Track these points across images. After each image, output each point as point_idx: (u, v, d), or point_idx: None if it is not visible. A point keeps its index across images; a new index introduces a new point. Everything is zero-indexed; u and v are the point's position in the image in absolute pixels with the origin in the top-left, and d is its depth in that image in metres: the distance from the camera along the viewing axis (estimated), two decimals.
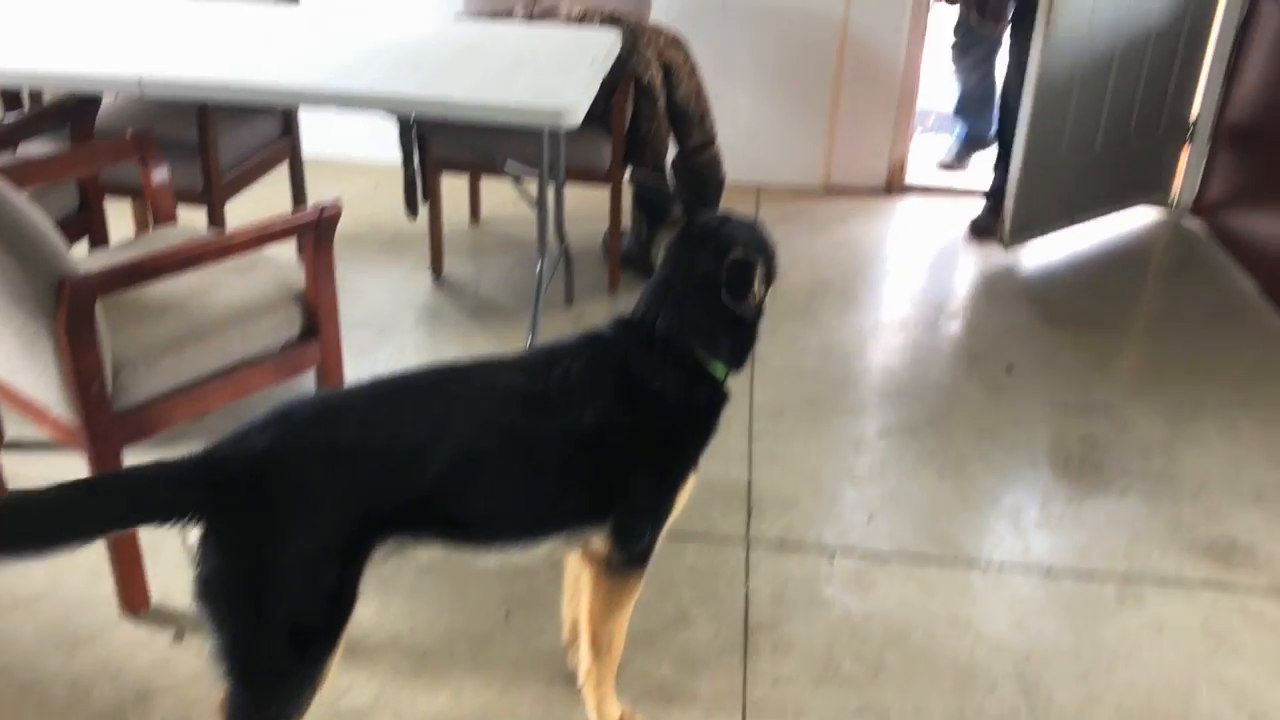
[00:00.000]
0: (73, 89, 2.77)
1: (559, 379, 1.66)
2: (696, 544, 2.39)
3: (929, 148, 4.61)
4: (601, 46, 2.93)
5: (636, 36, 3.28)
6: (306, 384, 2.42)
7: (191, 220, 2.98)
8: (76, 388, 1.92)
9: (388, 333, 3.20)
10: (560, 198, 3.26)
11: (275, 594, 1.50)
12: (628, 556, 1.75)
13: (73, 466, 1.89)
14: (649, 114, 3.32)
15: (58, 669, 2.02)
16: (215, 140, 3.00)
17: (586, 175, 3.33)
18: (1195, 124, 4.06)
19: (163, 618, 2.13)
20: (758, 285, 1.70)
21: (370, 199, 4.04)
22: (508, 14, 3.42)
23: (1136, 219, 4.14)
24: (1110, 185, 3.97)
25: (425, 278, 3.53)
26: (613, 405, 1.67)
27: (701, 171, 3.52)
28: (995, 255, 3.82)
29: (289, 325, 2.26)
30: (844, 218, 4.06)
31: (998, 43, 4.07)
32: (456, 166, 3.46)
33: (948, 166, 4.45)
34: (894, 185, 4.27)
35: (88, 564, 2.16)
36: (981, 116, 4.37)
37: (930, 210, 4.17)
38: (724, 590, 2.27)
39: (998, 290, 3.61)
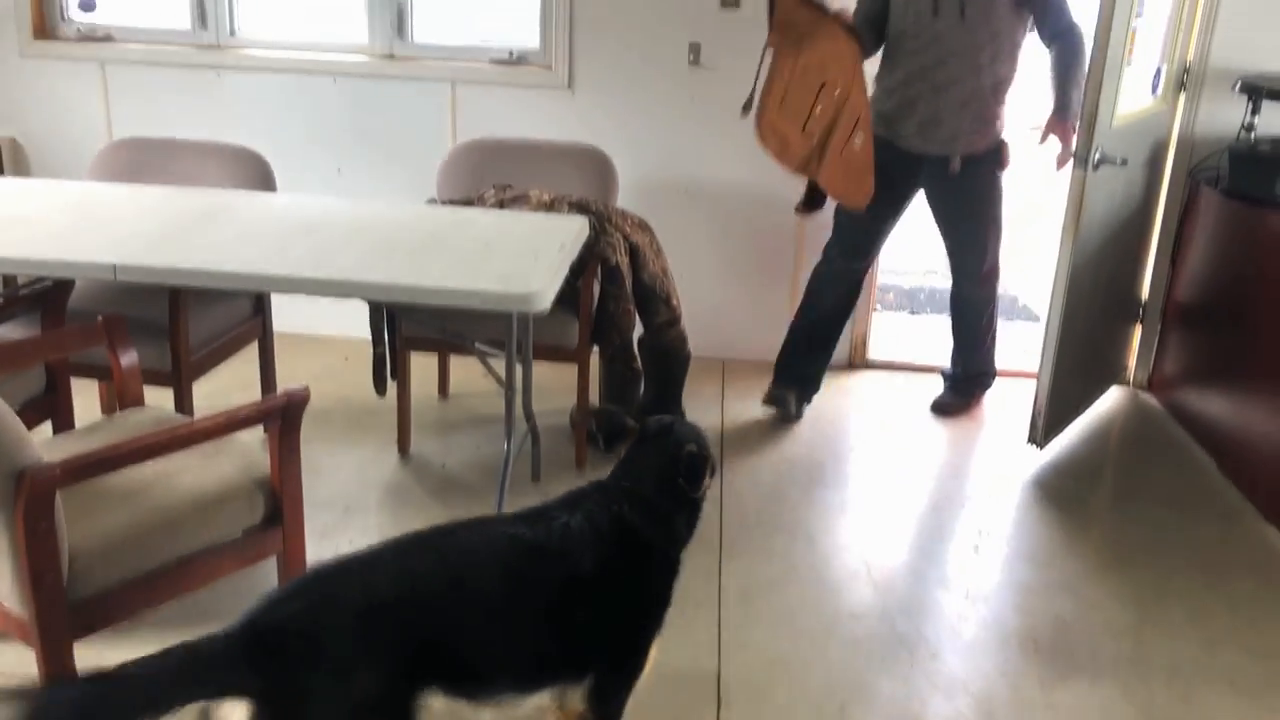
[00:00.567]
0: (48, 275, 2.80)
1: (559, 530, 1.85)
2: None
3: (889, 323, 4.72)
4: (570, 233, 3.02)
5: (604, 221, 3.39)
6: (268, 572, 2.38)
7: (159, 399, 2.99)
8: (30, 581, 1.88)
9: (352, 514, 3.17)
10: (528, 377, 3.29)
11: None
12: (603, 715, 1.92)
13: (17, 658, 1.83)
14: (616, 294, 3.39)
15: None
16: (186, 323, 3.03)
17: (554, 354, 3.37)
18: (1145, 305, 4.19)
19: None
20: (707, 476, 2.01)
21: (339, 374, 4.06)
22: (479, 200, 3.52)
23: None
24: (1096, 369, 4.07)
25: (392, 455, 3.52)
26: (609, 553, 1.86)
27: (668, 349, 3.58)
28: (958, 432, 3.87)
29: (252, 512, 2.25)
30: None
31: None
32: (426, 346, 3.50)
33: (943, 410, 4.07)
34: (856, 360, 4.35)
35: None
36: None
37: (893, 385, 4.24)
38: None
39: (962, 467, 3.64)
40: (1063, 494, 3.47)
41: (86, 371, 3.00)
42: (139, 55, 4.19)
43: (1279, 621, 2.86)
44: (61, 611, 1.93)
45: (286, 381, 3.69)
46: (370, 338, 3.43)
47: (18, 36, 4.18)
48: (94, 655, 2.42)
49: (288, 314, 3.75)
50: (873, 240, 3.74)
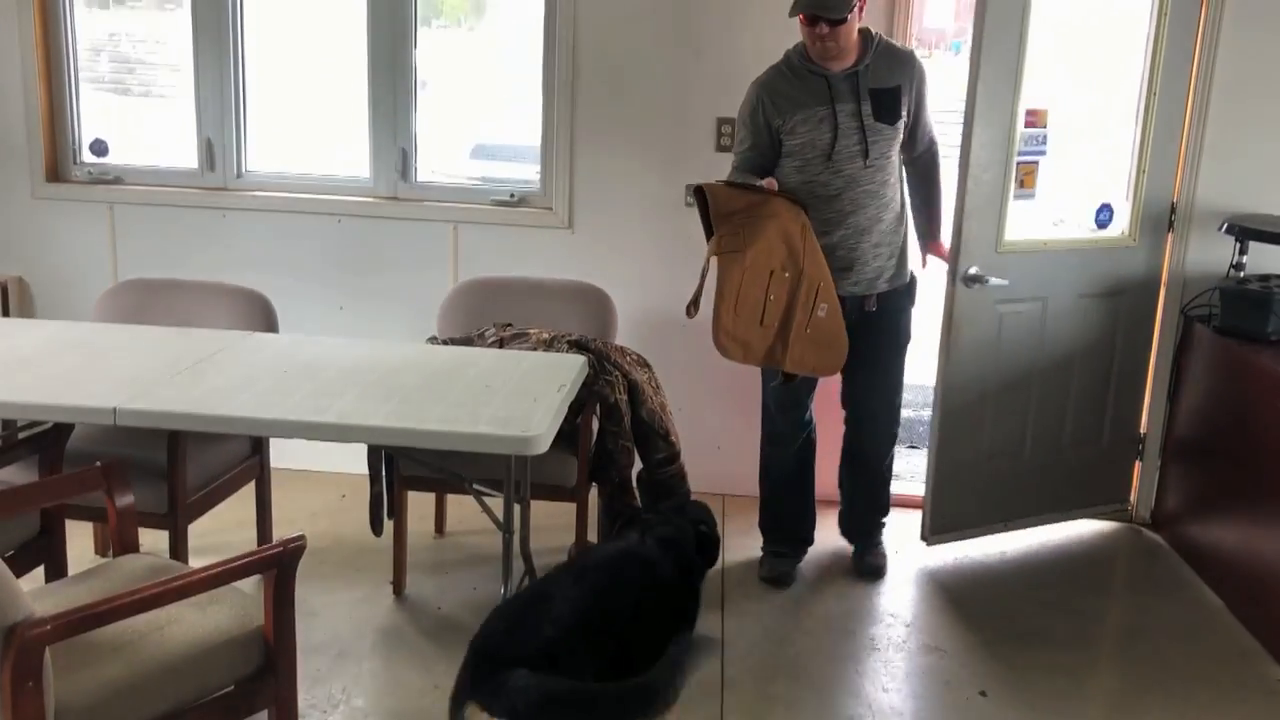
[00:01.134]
0: (48, 419, 2.81)
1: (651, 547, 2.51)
2: None
3: None
4: (569, 373, 3.03)
5: (603, 359, 3.41)
6: None
7: (155, 539, 2.96)
8: None
9: (345, 658, 3.11)
10: (525, 517, 3.27)
11: None
12: None
13: None
14: (614, 432, 3.39)
15: None
16: (184, 465, 3.02)
17: (552, 493, 3.36)
18: (1145, 438, 4.19)
19: None
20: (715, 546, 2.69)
21: (336, 512, 4.03)
22: (480, 338, 3.55)
23: (1096, 531, 4.19)
24: (1049, 493, 4.10)
25: (386, 596, 3.47)
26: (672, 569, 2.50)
27: (667, 485, 3.55)
28: (950, 571, 3.83)
29: (245, 663, 2.21)
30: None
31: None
32: (423, 485, 3.49)
33: None
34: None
35: None
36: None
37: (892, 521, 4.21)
38: None
39: (961, 607, 3.58)
40: (1067, 635, 3.41)
41: (82, 513, 2.98)
42: (147, 197, 4.28)
43: None
44: None
45: (283, 520, 3.69)
46: (368, 475, 3.42)
47: (30, 179, 4.27)
48: None
49: (287, 450, 3.75)
50: (806, 393, 3.62)
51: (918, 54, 3.56)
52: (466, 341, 3.55)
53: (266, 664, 2.23)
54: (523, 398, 2.82)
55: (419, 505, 3.71)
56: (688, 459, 3.59)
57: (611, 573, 2.38)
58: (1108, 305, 3.99)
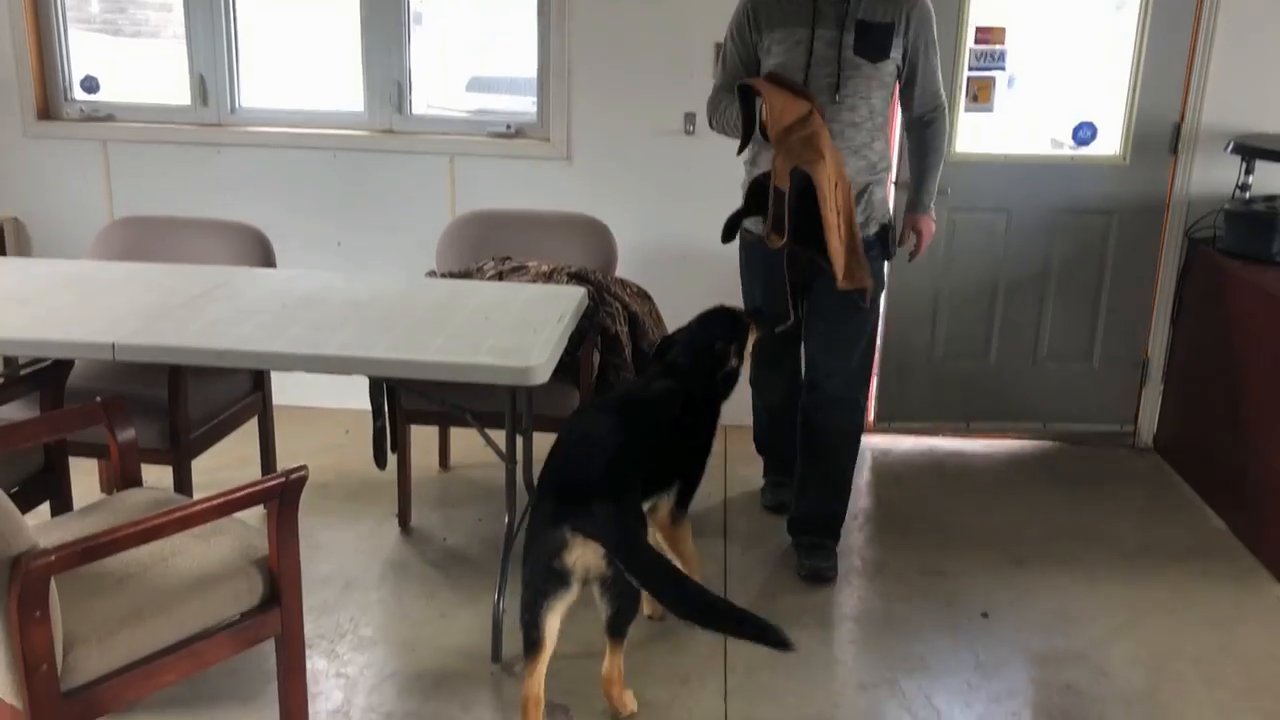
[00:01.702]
0: (47, 355, 2.80)
1: (663, 389, 2.86)
2: None
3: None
4: (569, 304, 3.02)
5: (603, 290, 3.39)
6: (266, 654, 2.35)
7: (159, 476, 2.97)
8: (24, 670, 1.85)
9: (352, 589, 3.13)
10: (529, 448, 3.28)
11: None
12: (682, 510, 2.90)
13: None
14: (615, 364, 3.38)
15: None
16: (185, 400, 3.02)
17: (555, 425, 3.34)
18: (1148, 362, 4.19)
19: None
20: (733, 357, 2.95)
21: (340, 447, 4.05)
22: (479, 271, 3.53)
23: (1099, 453, 4.20)
24: (1022, 402, 4.31)
25: (392, 529, 3.49)
26: (687, 405, 2.84)
27: None
28: (950, 493, 3.85)
29: (250, 594, 2.22)
30: None
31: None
32: (426, 418, 3.49)
33: None
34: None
35: None
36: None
37: (903, 448, 4.22)
38: None
39: (962, 531, 3.60)
40: (1069, 557, 3.43)
41: (86, 450, 2.99)
42: (140, 134, 4.23)
43: None
44: (56, 702, 1.89)
45: (287, 456, 3.70)
46: (370, 409, 3.42)
47: (22, 117, 4.23)
48: None
49: (289, 387, 3.75)
50: (790, 352, 3.37)
51: None
52: (465, 275, 3.52)
53: (272, 595, 2.25)
54: (522, 329, 2.80)
55: (423, 440, 3.72)
56: None
57: (635, 409, 2.76)
58: (1095, 223, 4.07)
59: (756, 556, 3.33)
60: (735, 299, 3.34)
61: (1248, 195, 3.80)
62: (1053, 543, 3.52)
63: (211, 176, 4.22)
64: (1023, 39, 3.95)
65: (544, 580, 2.39)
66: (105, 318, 2.79)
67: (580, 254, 3.66)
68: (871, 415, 4.24)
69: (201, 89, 4.23)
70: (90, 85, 4.30)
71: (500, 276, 3.47)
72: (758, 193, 3.09)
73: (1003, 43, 3.92)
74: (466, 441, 3.88)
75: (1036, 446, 4.28)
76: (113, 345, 2.62)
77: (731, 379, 2.98)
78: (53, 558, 1.85)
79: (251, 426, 3.51)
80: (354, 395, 3.65)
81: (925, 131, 3.22)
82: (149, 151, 4.23)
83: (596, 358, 3.37)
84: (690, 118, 4.00)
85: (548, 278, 3.41)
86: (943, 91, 3.19)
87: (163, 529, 2.03)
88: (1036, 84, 4.08)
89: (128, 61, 4.40)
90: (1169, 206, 4.04)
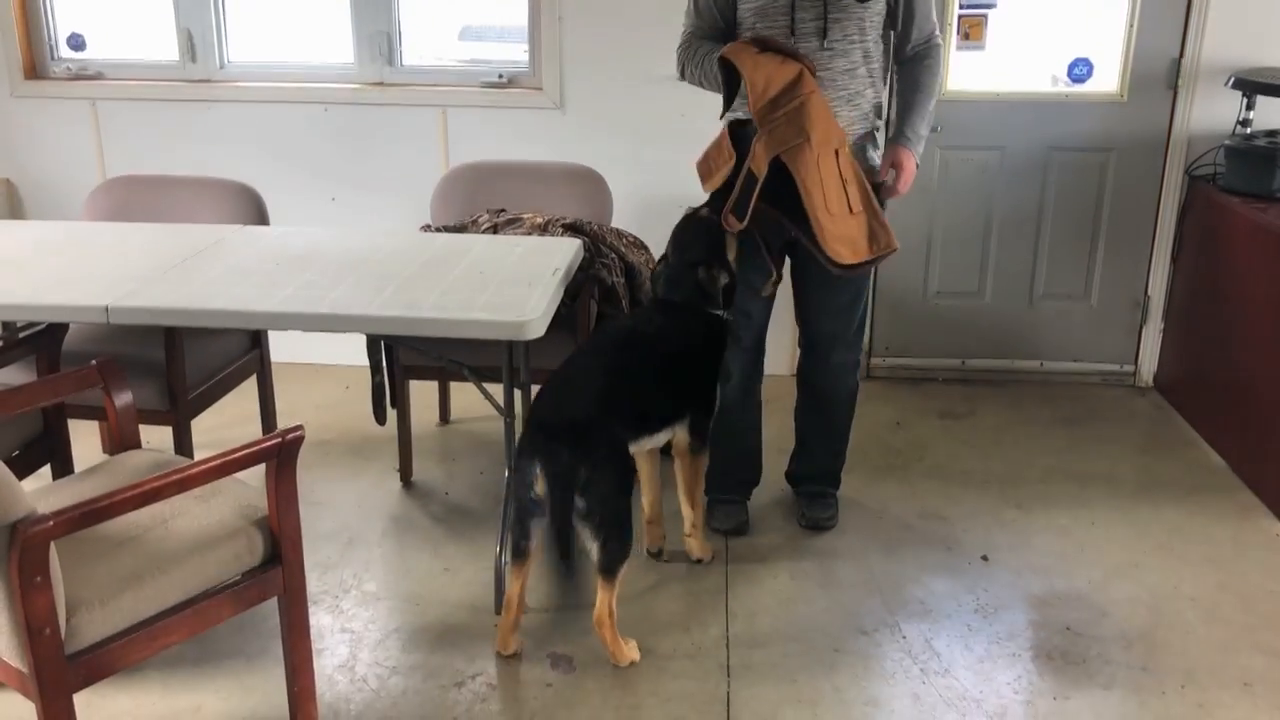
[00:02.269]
0: (41, 319, 2.79)
1: (656, 326, 2.85)
2: None
3: None
4: (565, 256, 3.00)
5: (599, 241, 3.37)
6: (269, 612, 2.37)
7: (159, 437, 2.98)
8: (27, 634, 1.86)
9: (355, 545, 3.15)
10: (527, 401, 3.27)
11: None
12: (700, 441, 2.92)
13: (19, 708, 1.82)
14: (613, 315, 3.37)
15: None
16: (182, 361, 3.02)
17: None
18: (1148, 300, 4.17)
19: None
20: (719, 277, 2.86)
21: (339, 403, 4.05)
22: (473, 224, 3.50)
23: (1099, 393, 4.21)
24: (1019, 339, 4.33)
25: (394, 484, 3.51)
26: (687, 335, 2.83)
27: None
28: (946, 434, 3.85)
29: (251, 553, 2.23)
30: None
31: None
32: (424, 373, 3.49)
33: None
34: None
35: None
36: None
37: (901, 392, 4.22)
38: None
39: (961, 474, 3.61)
40: (1069, 498, 3.44)
41: (85, 413, 2.99)
42: (129, 92, 4.19)
43: None
44: (60, 665, 1.91)
45: (287, 413, 3.71)
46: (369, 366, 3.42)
47: (8, 77, 4.19)
48: (97, 700, 2.43)
49: (287, 344, 3.74)
50: (760, 319, 3.12)
51: None
52: (460, 229, 3.50)
53: (273, 554, 2.26)
54: (518, 283, 2.79)
55: (423, 395, 3.72)
56: None
57: (619, 350, 2.79)
58: (1092, 161, 4.06)
59: (754, 502, 3.34)
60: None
61: (1249, 131, 3.76)
62: (1052, 484, 3.53)
63: (202, 134, 4.19)
64: None
65: (524, 508, 2.56)
66: (99, 280, 2.78)
67: (575, 204, 3.63)
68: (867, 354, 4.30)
69: (190, 45, 4.18)
70: (76, 43, 4.26)
71: (495, 229, 3.45)
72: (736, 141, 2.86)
73: None
74: (466, 396, 3.88)
75: (1035, 388, 4.28)
76: (106, 308, 2.62)
77: (728, 293, 2.89)
78: (51, 523, 1.85)
79: (251, 384, 3.52)
80: (352, 351, 3.66)
81: (917, 67, 3.00)
82: (138, 109, 4.20)
83: (593, 309, 3.36)
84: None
85: (543, 229, 3.39)
86: (937, 29, 3.03)
87: (161, 491, 2.03)
88: (1030, 20, 4.04)
89: (112, 17, 4.34)
90: (1168, 143, 4.00)
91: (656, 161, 4.06)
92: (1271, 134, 3.68)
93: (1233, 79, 3.71)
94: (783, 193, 2.75)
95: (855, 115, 2.92)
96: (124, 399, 2.52)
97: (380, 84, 4.17)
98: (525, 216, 3.47)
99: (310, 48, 4.29)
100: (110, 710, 2.46)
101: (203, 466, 2.09)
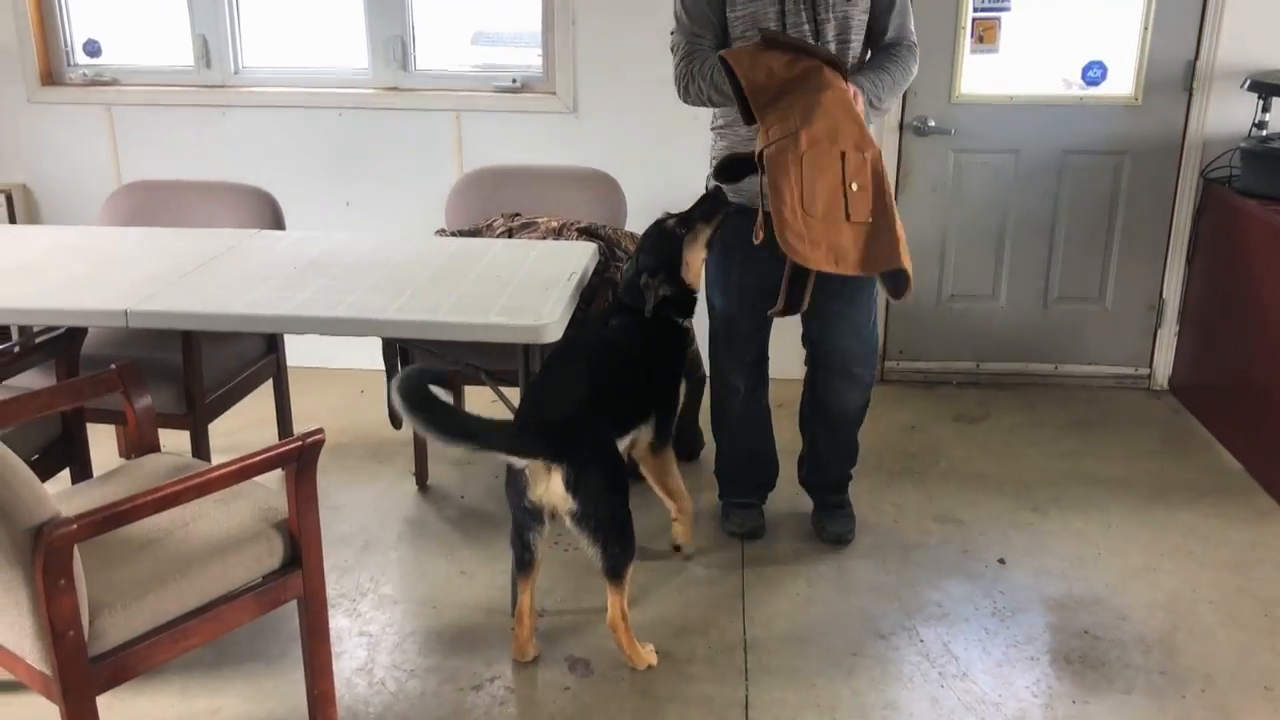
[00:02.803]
0: (60, 324, 2.81)
1: (614, 329, 2.85)
2: None
3: None
4: (580, 261, 3.01)
5: (613, 245, 3.37)
6: (289, 614, 2.37)
7: (177, 440, 2.99)
8: (51, 637, 1.87)
9: (371, 549, 3.16)
10: None
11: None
12: (664, 438, 2.92)
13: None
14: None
15: None
16: (200, 365, 3.03)
17: None
18: (1163, 303, 4.16)
19: None
20: (658, 288, 2.83)
21: (355, 406, 4.06)
22: (488, 228, 3.51)
23: (1114, 396, 4.20)
24: (1034, 343, 4.32)
25: (409, 487, 3.51)
26: (644, 339, 2.83)
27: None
28: (963, 439, 3.85)
29: (271, 556, 2.23)
30: None
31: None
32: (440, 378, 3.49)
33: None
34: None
35: None
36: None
37: (916, 396, 4.22)
38: None
39: (977, 477, 3.60)
40: (1085, 501, 3.43)
41: (104, 417, 3.01)
42: (145, 98, 4.22)
43: None
44: (84, 668, 1.92)
45: (303, 417, 3.72)
46: (385, 370, 3.43)
47: (25, 83, 4.21)
48: (116, 704, 2.43)
49: (303, 348, 3.75)
50: (762, 341, 3.11)
51: None
52: (475, 233, 3.51)
53: (293, 557, 2.26)
54: (533, 287, 2.80)
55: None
56: (700, 344, 3.57)
57: (583, 353, 2.77)
58: (1107, 164, 4.06)
59: (769, 506, 3.33)
60: None
61: (1264, 133, 3.75)
62: (1068, 487, 3.53)
63: (217, 138, 4.21)
64: None
65: (522, 515, 2.57)
66: (117, 284, 2.80)
67: (589, 208, 3.64)
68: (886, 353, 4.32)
69: (204, 50, 4.20)
70: (92, 49, 4.28)
71: (510, 233, 3.45)
72: (730, 168, 2.85)
73: None
74: (481, 399, 3.88)
75: (1050, 391, 4.27)
76: (125, 312, 2.63)
77: (679, 301, 2.86)
78: (74, 526, 1.86)
79: (268, 388, 3.53)
80: (367, 356, 3.67)
81: (887, 50, 2.87)
82: (154, 115, 4.22)
83: None
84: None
85: (557, 234, 3.39)
86: (914, 35, 2.90)
87: (182, 495, 2.04)
88: (1044, 23, 4.03)
89: (127, 23, 4.36)
90: (1183, 146, 3.99)
91: (671, 165, 4.06)
92: None
93: (1249, 81, 3.70)
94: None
95: None
96: (143, 403, 2.53)
97: (394, 89, 4.18)
98: (540, 220, 3.48)
99: (324, 53, 4.31)
100: (129, 713, 2.47)
101: (224, 470, 2.10)
